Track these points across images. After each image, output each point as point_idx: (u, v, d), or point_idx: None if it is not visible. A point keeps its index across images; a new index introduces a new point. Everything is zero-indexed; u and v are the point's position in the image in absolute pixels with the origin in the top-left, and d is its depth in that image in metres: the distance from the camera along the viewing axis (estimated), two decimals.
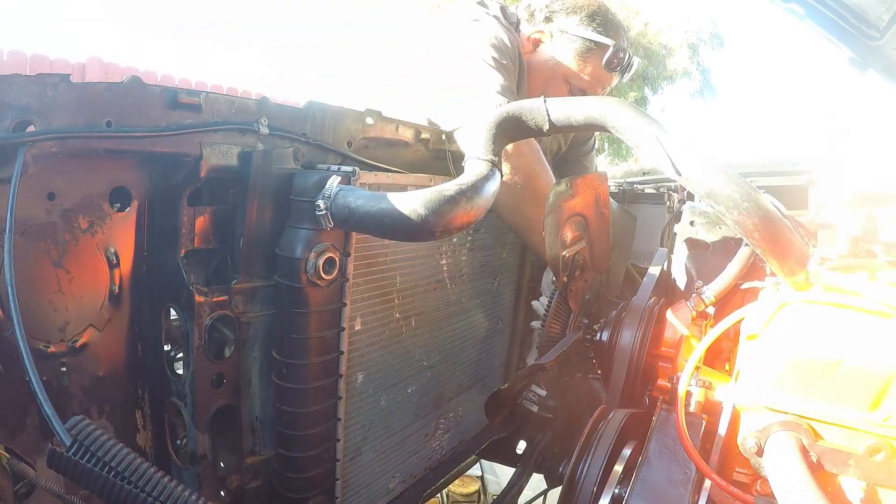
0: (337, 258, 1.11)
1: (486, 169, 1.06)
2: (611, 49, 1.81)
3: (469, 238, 1.59)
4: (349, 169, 1.12)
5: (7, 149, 0.79)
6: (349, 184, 1.09)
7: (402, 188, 1.28)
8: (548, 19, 1.86)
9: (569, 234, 1.74)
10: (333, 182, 1.05)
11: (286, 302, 1.11)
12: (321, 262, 1.08)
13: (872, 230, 1.03)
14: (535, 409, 1.69)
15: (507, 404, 1.60)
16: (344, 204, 1.02)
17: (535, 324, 1.91)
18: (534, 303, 1.84)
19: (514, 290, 1.93)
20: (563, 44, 1.85)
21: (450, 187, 0.99)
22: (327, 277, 1.10)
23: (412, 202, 0.96)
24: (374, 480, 1.42)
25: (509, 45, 1.76)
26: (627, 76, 1.93)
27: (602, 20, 1.83)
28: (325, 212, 1.03)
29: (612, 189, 2.97)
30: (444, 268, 1.51)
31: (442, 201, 0.96)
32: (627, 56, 1.87)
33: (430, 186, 1.35)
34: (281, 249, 1.09)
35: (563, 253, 1.72)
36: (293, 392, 1.14)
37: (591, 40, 1.80)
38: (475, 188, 1.01)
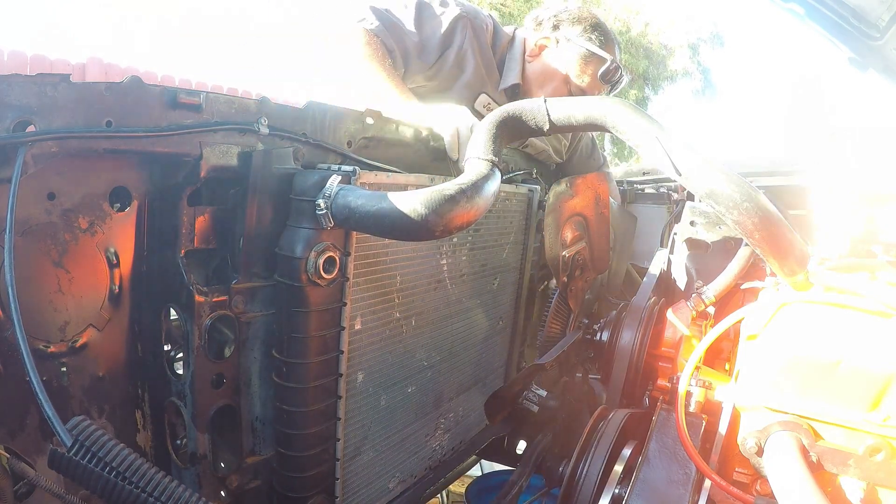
0: (337, 257, 1.11)
1: (487, 168, 1.06)
2: (608, 62, 1.99)
3: (469, 238, 1.59)
4: (349, 168, 1.12)
5: (7, 149, 0.79)
6: (350, 183, 1.09)
7: (402, 188, 1.27)
8: (555, 27, 2.02)
9: (569, 235, 1.74)
10: (334, 181, 1.05)
11: (286, 301, 1.11)
12: (321, 261, 1.08)
13: (872, 230, 1.03)
14: (535, 408, 1.70)
15: (507, 405, 1.60)
16: (344, 203, 1.02)
17: None
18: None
19: (515, 291, 1.93)
20: (566, 50, 2.00)
21: (450, 187, 0.99)
22: (327, 277, 1.10)
23: (412, 201, 0.95)
24: (373, 480, 1.42)
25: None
26: (616, 91, 2.11)
27: (601, 34, 2.00)
28: (325, 211, 1.03)
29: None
30: (445, 268, 1.51)
31: (442, 201, 0.96)
32: (620, 73, 2.04)
33: (429, 186, 1.35)
34: (281, 249, 1.09)
35: (563, 253, 1.72)
36: (293, 391, 1.14)
37: (590, 50, 1.98)
38: (475, 188, 1.01)
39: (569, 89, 2.03)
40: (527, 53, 2.04)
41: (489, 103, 2.05)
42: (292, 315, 1.11)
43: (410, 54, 1.91)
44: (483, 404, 1.86)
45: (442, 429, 1.68)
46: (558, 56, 2.00)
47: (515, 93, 2.08)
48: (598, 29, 1.99)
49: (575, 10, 2.03)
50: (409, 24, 1.88)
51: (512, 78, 2.04)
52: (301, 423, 1.16)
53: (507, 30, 2.12)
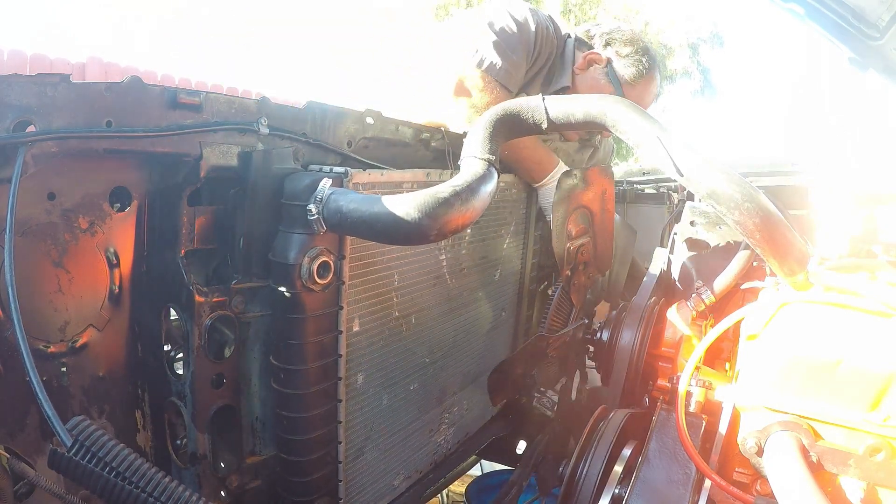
0: (331, 262, 1.10)
1: (483, 169, 1.02)
2: (651, 87, 2.08)
3: (468, 231, 1.58)
4: (341, 170, 1.10)
5: (7, 149, 0.79)
6: (342, 185, 1.08)
7: (397, 185, 1.27)
8: (607, 44, 2.08)
9: (573, 228, 1.75)
10: (325, 185, 1.02)
11: (281, 308, 1.10)
12: (315, 266, 1.06)
13: (872, 230, 1.03)
14: (549, 413, 1.72)
15: (509, 383, 1.59)
16: (336, 208, 0.99)
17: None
18: None
19: (517, 281, 1.92)
20: (615, 68, 2.07)
21: (444, 189, 0.96)
22: (322, 282, 1.08)
23: (405, 205, 0.93)
24: (378, 478, 1.42)
25: (529, 22, 1.92)
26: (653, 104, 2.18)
27: (649, 59, 2.07)
28: (316, 216, 1.00)
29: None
30: (444, 263, 1.50)
31: (436, 204, 0.93)
32: (660, 90, 2.13)
33: (425, 181, 1.34)
34: (274, 255, 1.08)
35: (568, 245, 1.73)
36: (292, 397, 1.13)
37: (640, 71, 2.04)
38: (470, 189, 0.98)
39: None
40: (575, 65, 2.09)
41: None
42: (288, 321, 1.10)
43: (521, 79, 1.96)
44: (486, 396, 1.85)
45: (447, 423, 1.68)
46: (607, 73, 2.06)
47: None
48: (647, 53, 2.06)
49: (627, 32, 2.10)
50: (520, 54, 1.91)
51: (563, 82, 2.08)
52: (301, 428, 1.15)
53: (561, 34, 2.15)
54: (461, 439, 1.78)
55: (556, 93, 2.10)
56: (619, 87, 2.03)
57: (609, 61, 2.05)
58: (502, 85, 1.81)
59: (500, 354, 1.93)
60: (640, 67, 2.02)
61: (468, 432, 1.82)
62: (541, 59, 2.00)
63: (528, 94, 2.02)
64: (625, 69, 2.03)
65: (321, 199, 1.01)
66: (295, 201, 1.05)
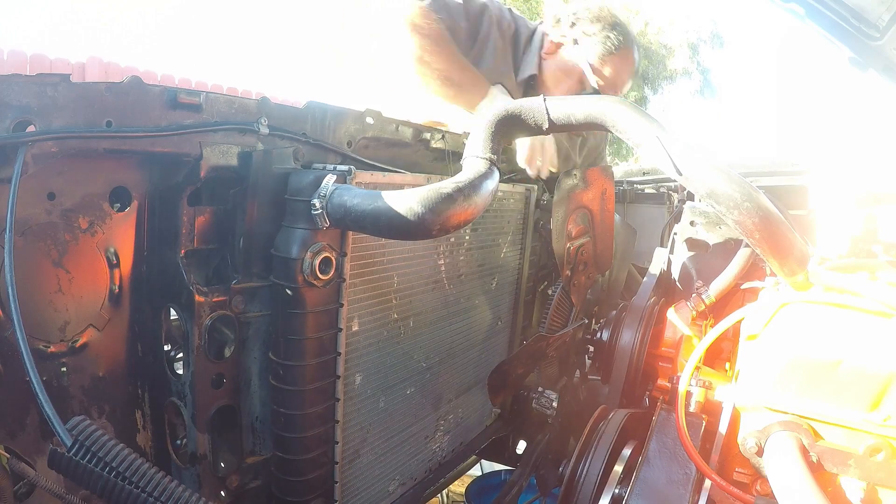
0: (333, 258, 1.11)
1: (485, 167, 1.04)
2: (624, 62, 1.97)
3: (466, 238, 1.59)
4: (345, 168, 1.11)
5: (7, 149, 0.79)
6: (345, 183, 1.09)
7: (399, 188, 1.27)
8: (572, 25, 1.99)
9: (573, 228, 1.75)
10: (329, 181, 1.04)
11: (282, 303, 1.10)
12: (317, 261, 1.07)
13: (872, 230, 1.03)
14: (548, 412, 1.71)
15: (509, 383, 1.59)
16: (340, 203, 1.01)
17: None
18: None
19: (513, 291, 1.93)
20: (583, 48, 1.97)
21: (447, 185, 0.98)
22: (323, 277, 1.09)
23: (409, 200, 0.95)
24: (373, 483, 1.42)
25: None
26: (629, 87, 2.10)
27: (620, 34, 1.97)
28: (320, 211, 1.01)
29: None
30: (442, 268, 1.51)
31: (439, 199, 0.95)
32: (635, 73, 2.03)
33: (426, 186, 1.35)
34: (276, 250, 1.08)
35: (568, 245, 1.73)
36: (290, 394, 1.13)
37: (608, 48, 1.94)
38: (473, 186, 1.00)
39: (583, 88, 1.98)
40: (543, 50, 2.01)
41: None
42: (288, 316, 1.10)
43: (460, 41, 1.89)
44: (482, 405, 1.86)
45: (442, 430, 1.68)
46: (574, 54, 1.97)
47: (531, 85, 2.06)
48: (616, 28, 1.95)
49: (595, 9, 2.00)
50: (461, 11, 1.86)
51: (528, 70, 2.02)
52: (298, 426, 1.15)
53: (531, 25, 2.11)
54: (455, 447, 1.78)
55: (525, 82, 2.05)
56: (587, 66, 1.94)
57: (574, 41, 1.96)
58: (446, 28, 1.76)
59: (495, 364, 1.93)
60: (609, 44, 1.92)
61: (463, 441, 1.81)
62: (489, 40, 1.94)
63: (493, 84, 2.00)
64: (592, 48, 1.93)
65: (325, 194, 1.02)
66: (299, 197, 1.06)
